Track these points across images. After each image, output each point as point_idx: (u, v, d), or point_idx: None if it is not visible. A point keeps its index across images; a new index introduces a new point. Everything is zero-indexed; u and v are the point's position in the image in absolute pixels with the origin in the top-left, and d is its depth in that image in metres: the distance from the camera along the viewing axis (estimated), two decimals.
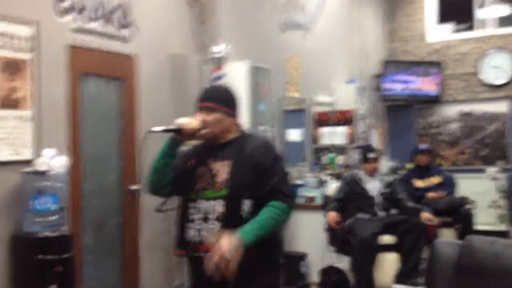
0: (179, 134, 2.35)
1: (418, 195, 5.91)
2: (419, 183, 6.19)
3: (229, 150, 2.39)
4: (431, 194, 5.97)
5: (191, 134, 2.34)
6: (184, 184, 2.39)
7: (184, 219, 2.37)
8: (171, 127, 2.35)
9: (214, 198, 2.31)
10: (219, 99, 2.41)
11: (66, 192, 3.67)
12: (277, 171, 2.35)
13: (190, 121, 2.34)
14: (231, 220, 2.27)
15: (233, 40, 5.26)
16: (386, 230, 4.71)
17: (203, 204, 2.33)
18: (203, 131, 2.36)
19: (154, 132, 2.39)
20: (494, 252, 2.84)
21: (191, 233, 2.33)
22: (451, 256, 2.99)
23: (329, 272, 4.96)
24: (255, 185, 2.30)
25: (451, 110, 8.60)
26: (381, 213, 4.95)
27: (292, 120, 6.46)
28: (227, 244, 2.13)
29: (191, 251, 2.34)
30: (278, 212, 2.28)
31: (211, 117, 2.37)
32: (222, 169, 2.34)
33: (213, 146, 2.42)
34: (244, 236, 2.18)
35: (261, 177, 2.31)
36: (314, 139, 6.83)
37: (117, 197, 4.43)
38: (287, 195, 2.34)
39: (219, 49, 4.79)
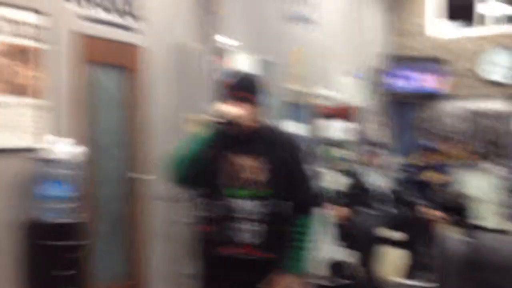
0: (219, 122, 2.25)
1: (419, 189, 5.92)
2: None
3: (258, 144, 2.30)
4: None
5: (230, 122, 2.24)
6: (216, 178, 2.27)
7: (222, 217, 2.25)
8: (215, 113, 2.26)
9: (258, 198, 2.23)
10: (253, 89, 2.35)
11: (80, 179, 3.67)
12: (304, 175, 2.34)
13: (229, 109, 2.25)
14: (274, 221, 2.24)
15: (238, 31, 5.25)
16: (391, 224, 4.72)
17: (244, 204, 2.23)
18: (239, 120, 2.27)
19: (195, 119, 2.32)
20: (502, 249, 2.87)
21: (229, 232, 2.24)
22: (460, 252, 3.01)
23: (337, 267, 4.94)
24: (288, 184, 2.28)
25: (455, 107, 8.62)
26: (384, 207, 4.95)
27: (295, 113, 6.45)
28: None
29: (226, 250, 2.25)
30: (308, 228, 2.30)
31: (247, 108, 2.29)
32: (254, 164, 2.26)
33: (238, 137, 2.31)
34: (294, 270, 2.23)
35: (290, 177, 2.29)
36: (315, 132, 6.82)
37: (123, 185, 4.41)
38: (315, 202, 2.35)
39: (225, 40, 4.77)
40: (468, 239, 3.08)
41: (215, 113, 2.26)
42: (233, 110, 2.25)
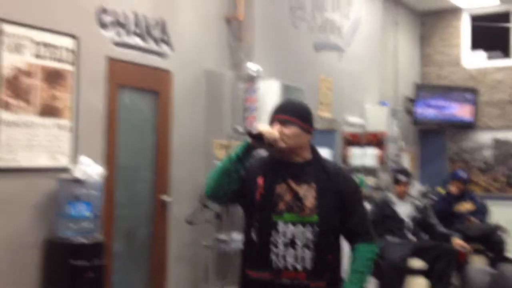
0: (258, 141, 2.19)
1: (450, 220, 5.84)
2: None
3: (310, 172, 2.26)
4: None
5: (271, 143, 2.20)
6: (263, 203, 2.23)
7: (264, 241, 2.21)
8: (254, 132, 2.19)
9: (303, 224, 2.19)
10: (297, 113, 2.28)
11: (101, 200, 3.75)
12: (360, 206, 2.32)
13: (271, 131, 2.20)
14: (321, 247, 2.19)
15: (268, 58, 5.34)
16: (416, 254, 4.65)
17: (289, 229, 2.19)
18: (281, 144, 2.22)
19: (238, 131, 2.31)
20: None
21: (272, 257, 2.19)
22: (483, 284, 2.96)
23: None
24: (340, 213, 2.25)
25: (485, 137, 8.49)
26: (411, 237, 4.90)
27: (323, 140, 6.46)
28: None
29: (272, 275, 2.19)
30: (372, 255, 2.28)
31: (288, 130, 2.23)
32: (308, 193, 2.22)
33: (289, 164, 2.28)
34: None
35: (344, 207, 2.26)
36: (344, 160, 6.81)
37: (148, 207, 4.49)
38: (370, 234, 2.31)
39: (253, 66, 4.85)
40: (492, 270, 3.01)
41: (256, 130, 2.20)
42: (272, 130, 2.21)
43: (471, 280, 3.00)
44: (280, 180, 2.24)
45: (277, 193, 2.22)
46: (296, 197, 2.21)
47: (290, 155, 2.27)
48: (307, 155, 2.31)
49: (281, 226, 2.19)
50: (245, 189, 2.26)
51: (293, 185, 2.23)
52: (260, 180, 2.25)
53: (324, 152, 6.50)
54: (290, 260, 2.18)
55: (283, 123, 2.25)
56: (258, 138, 2.18)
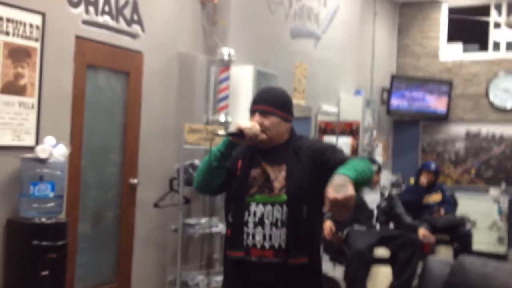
0: (239, 138, 2.26)
1: (420, 211, 5.91)
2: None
3: (283, 154, 2.31)
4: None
5: (252, 138, 2.26)
6: (237, 186, 2.31)
7: (237, 221, 2.29)
8: (234, 131, 2.26)
9: (272, 204, 2.25)
10: (278, 102, 2.32)
11: (64, 180, 3.70)
12: (337, 152, 2.26)
13: (252, 125, 2.25)
14: (290, 226, 2.22)
15: (243, 43, 5.29)
16: (381, 243, 4.70)
17: (259, 208, 2.26)
18: (262, 136, 2.28)
19: (219, 135, 2.32)
20: (485, 274, 2.83)
21: (244, 236, 2.27)
22: (442, 275, 2.98)
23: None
24: (311, 188, 2.24)
25: (458, 129, 8.58)
26: (378, 226, 4.94)
27: (297, 127, 6.45)
28: (332, 189, 1.90)
29: (244, 254, 2.26)
30: (366, 163, 2.15)
31: (268, 121, 2.29)
32: (279, 174, 2.27)
33: (266, 149, 2.33)
34: (346, 173, 1.96)
35: (323, 169, 2.22)
36: None
37: (116, 189, 4.45)
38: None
39: (228, 51, 4.80)
40: (453, 262, 3.05)
41: (236, 128, 2.26)
42: (252, 125, 2.26)
43: (430, 270, 3.03)
44: (256, 164, 2.31)
45: (251, 176, 2.29)
46: (267, 179, 2.27)
47: (271, 143, 2.32)
48: (285, 138, 2.35)
49: (252, 207, 2.26)
50: (229, 175, 2.34)
51: (267, 168, 2.29)
52: (239, 164, 2.34)
53: None
54: (258, 238, 2.24)
55: (263, 113, 2.29)
56: (239, 135, 2.24)
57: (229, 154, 2.31)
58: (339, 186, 1.89)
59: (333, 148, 2.31)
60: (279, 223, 2.23)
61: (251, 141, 2.27)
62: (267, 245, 2.23)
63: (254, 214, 2.26)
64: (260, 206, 2.26)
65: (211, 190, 2.42)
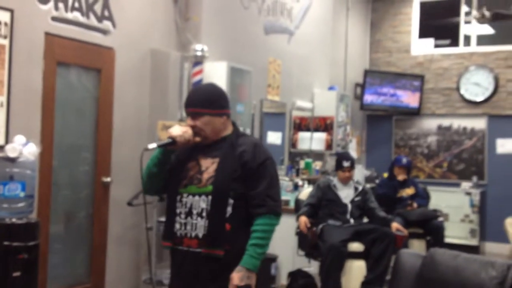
0: (174, 145, 2.35)
1: (393, 205, 5.97)
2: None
3: (219, 147, 2.39)
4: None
5: (186, 143, 2.36)
6: (174, 178, 2.41)
7: (171, 212, 2.40)
8: (165, 142, 2.35)
9: (199, 194, 2.33)
10: (204, 102, 2.38)
11: (35, 179, 3.64)
12: (265, 175, 2.36)
13: (182, 132, 2.34)
14: (213, 216, 2.30)
15: (216, 39, 5.27)
16: (355, 237, 4.73)
17: (189, 199, 2.35)
18: (196, 139, 2.38)
19: (149, 150, 2.36)
20: (456, 266, 2.87)
21: (177, 226, 2.36)
22: (414, 267, 3.02)
23: (296, 276, 4.98)
24: (240, 184, 2.33)
25: (430, 123, 8.70)
26: (352, 221, 4.98)
27: (272, 123, 6.47)
28: (238, 277, 2.24)
29: (176, 243, 2.38)
30: (270, 228, 2.34)
31: (199, 122, 2.37)
32: (210, 166, 2.36)
33: (206, 143, 2.43)
34: (249, 265, 2.27)
35: (248, 178, 2.34)
36: (293, 144, 6.85)
37: (88, 188, 4.40)
38: (275, 200, 2.36)
39: (201, 47, 4.78)
40: (424, 254, 3.09)
41: (168, 138, 2.36)
42: (183, 131, 2.35)
43: (402, 263, 3.07)
44: (193, 157, 2.41)
45: (186, 168, 2.39)
46: (199, 170, 2.37)
47: (210, 139, 2.41)
48: (227, 132, 2.45)
49: (184, 197, 2.36)
50: (170, 171, 2.45)
51: (201, 160, 2.39)
52: (179, 159, 2.45)
53: (274, 135, 6.55)
54: (188, 228, 2.34)
55: (193, 116, 2.38)
56: (173, 144, 2.35)
57: (168, 158, 2.41)
58: (243, 277, 2.25)
59: (263, 172, 2.35)
60: (203, 213, 2.32)
61: (185, 145, 2.37)
62: (193, 234, 2.33)
63: (185, 204, 2.35)
64: (190, 197, 2.34)
65: (158, 191, 2.55)
